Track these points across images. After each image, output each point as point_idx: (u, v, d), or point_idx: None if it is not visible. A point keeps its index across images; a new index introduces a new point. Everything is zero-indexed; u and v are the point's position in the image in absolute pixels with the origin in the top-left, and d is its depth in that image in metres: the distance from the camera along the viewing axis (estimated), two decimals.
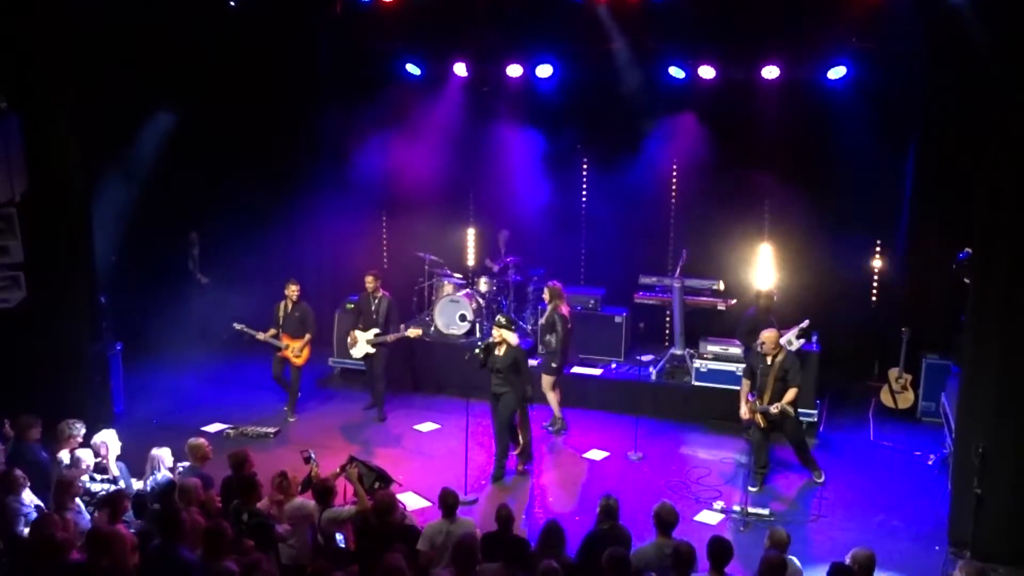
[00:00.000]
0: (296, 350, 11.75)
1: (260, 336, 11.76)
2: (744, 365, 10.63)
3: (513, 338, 10.10)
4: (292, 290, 11.78)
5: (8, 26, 9.90)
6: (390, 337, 11.66)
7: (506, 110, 13.76)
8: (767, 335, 9.88)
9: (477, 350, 10.18)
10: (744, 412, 9.89)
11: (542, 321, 11.72)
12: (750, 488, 9.64)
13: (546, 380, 11.50)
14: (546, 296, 11.65)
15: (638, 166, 13.33)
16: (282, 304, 11.84)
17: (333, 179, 13.91)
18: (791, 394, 9.64)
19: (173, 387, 12.75)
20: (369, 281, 11.78)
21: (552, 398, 11.58)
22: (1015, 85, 8.02)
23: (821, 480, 10.04)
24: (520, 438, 10.42)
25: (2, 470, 7.73)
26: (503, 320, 10.22)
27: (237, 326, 11.83)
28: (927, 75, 11.45)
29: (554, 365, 11.42)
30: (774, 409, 9.57)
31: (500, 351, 10.09)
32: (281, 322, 11.79)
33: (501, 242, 14.06)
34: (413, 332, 11.70)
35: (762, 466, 9.93)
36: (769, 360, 9.80)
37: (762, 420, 9.72)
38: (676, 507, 7.09)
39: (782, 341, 10.36)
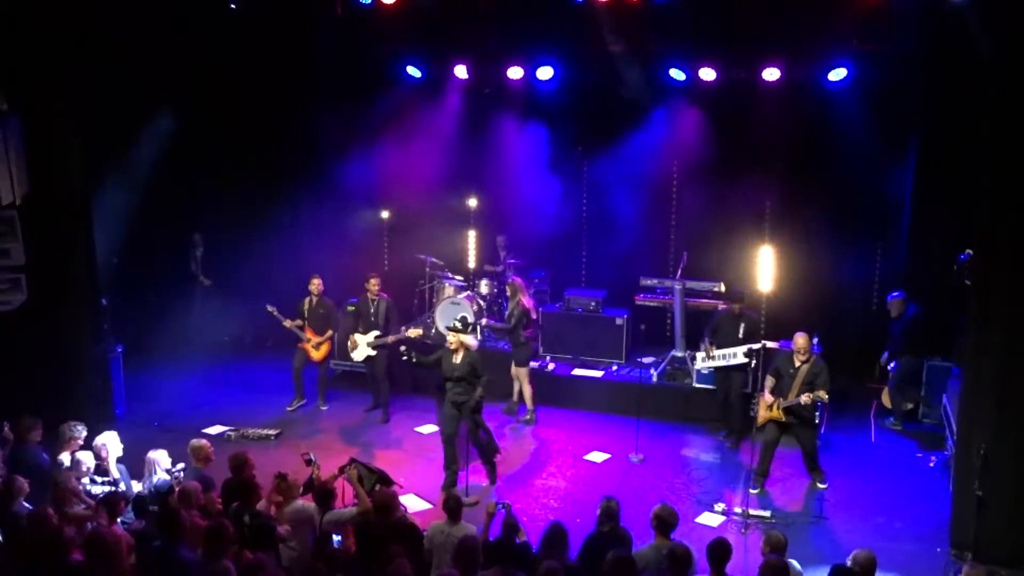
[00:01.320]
0: (316, 344, 12.00)
1: (287, 323, 12.00)
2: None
3: (473, 342, 9.95)
4: (315, 284, 12.02)
5: (9, 28, 9.91)
6: (390, 339, 11.65)
7: (507, 112, 13.77)
8: (799, 339, 9.76)
9: (409, 358, 10.00)
10: (767, 400, 9.75)
11: (512, 319, 11.79)
12: (751, 491, 9.63)
13: (522, 372, 11.78)
14: (509, 292, 11.81)
15: (639, 168, 13.33)
16: (307, 299, 12.03)
17: (334, 181, 13.92)
18: (823, 393, 9.53)
19: (174, 389, 12.75)
20: (373, 284, 11.80)
21: (527, 391, 11.79)
22: (1016, 86, 8.03)
23: (824, 486, 10.02)
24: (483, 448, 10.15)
25: (4, 475, 7.72)
26: (459, 324, 10.04)
27: (269, 308, 12.04)
28: (928, 77, 11.44)
29: (524, 356, 11.78)
30: (805, 399, 9.46)
31: (457, 358, 9.77)
32: (306, 315, 12.00)
33: (499, 247, 14.06)
34: (413, 332, 11.69)
35: (763, 470, 9.89)
36: (798, 363, 9.71)
37: (783, 415, 9.66)
38: (677, 509, 7.09)
39: (720, 352, 10.88)
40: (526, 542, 7.25)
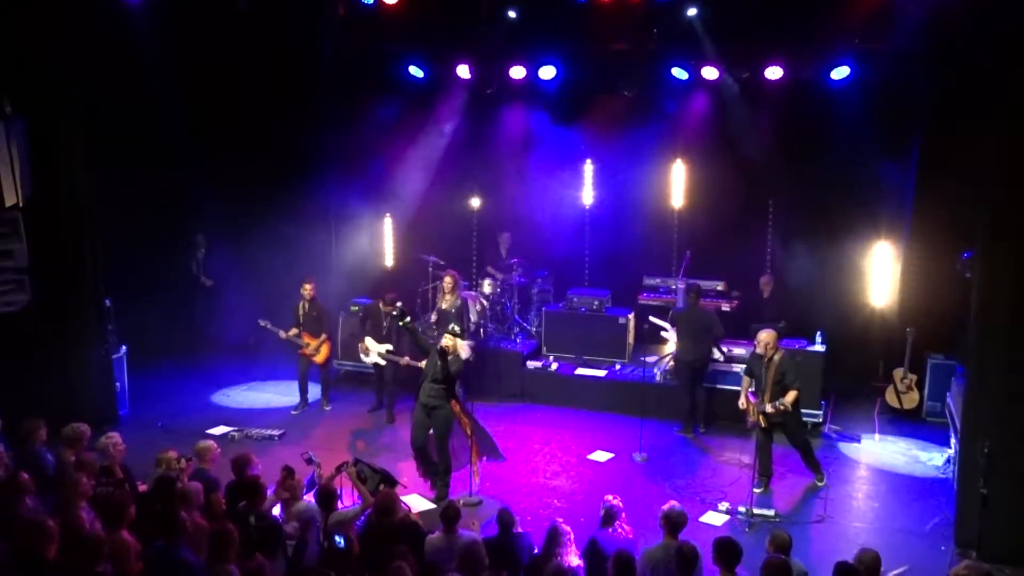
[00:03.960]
0: (315, 348, 12.01)
1: (282, 334, 11.98)
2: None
3: (466, 351, 9.85)
4: (307, 288, 11.99)
5: (12, 30, 9.93)
6: (403, 361, 11.50)
7: (509, 112, 13.78)
8: (763, 335, 9.77)
9: (403, 319, 9.74)
10: (742, 403, 9.88)
11: (446, 308, 11.91)
12: (755, 490, 9.64)
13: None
14: (449, 286, 11.85)
15: (641, 167, 13.32)
16: (300, 304, 12.02)
17: (337, 181, 13.93)
18: (791, 396, 9.50)
19: (178, 389, 12.77)
20: (389, 308, 11.53)
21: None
22: (1017, 84, 8.02)
23: (823, 483, 10.02)
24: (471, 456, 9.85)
25: (8, 474, 7.73)
26: (458, 330, 9.97)
27: (262, 322, 12.02)
28: (930, 75, 11.43)
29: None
30: (770, 408, 9.51)
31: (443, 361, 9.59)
32: (301, 321, 11.99)
33: (502, 245, 14.06)
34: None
35: (765, 469, 9.87)
36: (766, 361, 9.72)
37: (763, 420, 9.68)
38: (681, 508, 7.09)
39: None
40: (524, 534, 7.25)
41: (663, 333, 11.94)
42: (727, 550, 6.37)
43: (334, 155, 14.02)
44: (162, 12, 11.94)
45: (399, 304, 10.24)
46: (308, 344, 12.02)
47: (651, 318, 12.32)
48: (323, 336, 12.11)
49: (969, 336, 8.91)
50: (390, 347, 11.66)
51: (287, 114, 13.54)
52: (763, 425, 9.70)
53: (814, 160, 12.46)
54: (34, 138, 10.08)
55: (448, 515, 7.26)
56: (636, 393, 11.77)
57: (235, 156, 13.71)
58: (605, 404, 12.20)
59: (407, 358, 11.36)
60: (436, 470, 9.70)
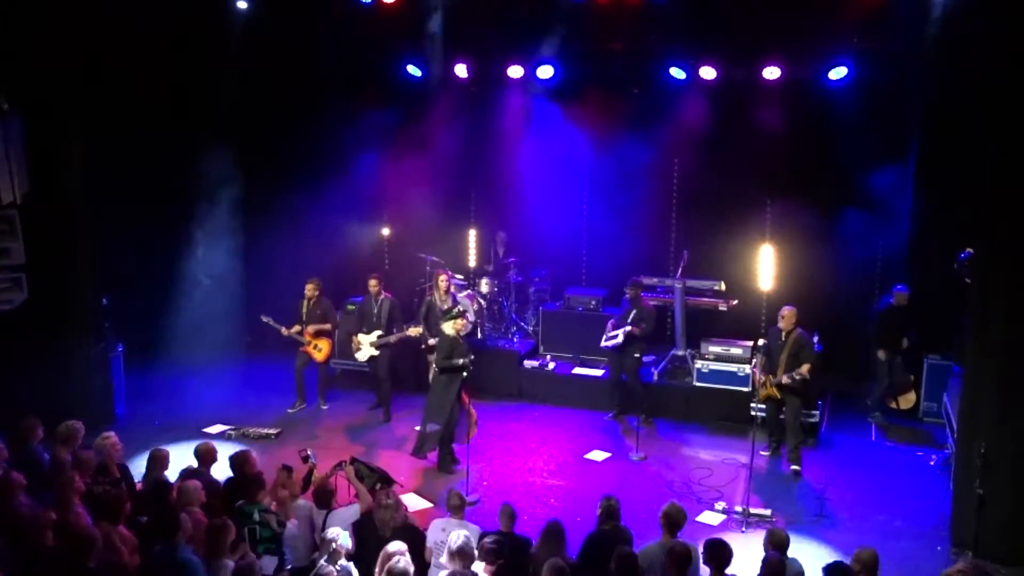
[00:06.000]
0: (318, 345, 12.07)
1: (284, 331, 12.03)
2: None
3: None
4: (309, 288, 12.07)
5: (10, 28, 9.92)
6: (392, 338, 11.66)
7: (507, 111, 13.76)
8: (787, 310, 10.45)
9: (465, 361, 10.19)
10: (759, 377, 10.38)
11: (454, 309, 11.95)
12: (762, 452, 10.22)
13: None
14: (444, 286, 11.91)
15: (639, 166, 13.32)
16: (304, 301, 12.07)
17: (335, 180, 13.91)
18: (805, 367, 10.11)
19: (175, 388, 12.75)
20: (372, 285, 11.85)
21: None
22: (1016, 85, 8.03)
23: (796, 467, 10.31)
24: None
25: (2, 473, 7.72)
26: (456, 310, 10.57)
27: (264, 318, 12.08)
28: (928, 75, 11.43)
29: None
30: (786, 379, 10.14)
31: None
32: (304, 319, 12.03)
33: (499, 243, 14.06)
34: (414, 331, 11.68)
35: (775, 434, 10.57)
36: (783, 336, 10.34)
37: (777, 392, 10.25)
38: None
39: (618, 331, 11.49)
40: (526, 538, 7.26)
41: (608, 336, 12.08)
42: (717, 551, 6.38)
43: (331, 153, 14.00)
44: (161, 11, 11.93)
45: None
46: (310, 341, 12.04)
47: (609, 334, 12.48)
48: (327, 327, 12.17)
49: (966, 336, 8.92)
50: (380, 332, 11.67)
51: (285, 113, 13.53)
52: (777, 396, 10.30)
53: (812, 160, 12.45)
54: (31, 136, 10.07)
55: (453, 503, 7.43)
56: (634, 392, 11.75)
57: (233, 154, 13.68)
58: (603, 403, 12.19)
59: (397, 335, 11.59)
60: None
